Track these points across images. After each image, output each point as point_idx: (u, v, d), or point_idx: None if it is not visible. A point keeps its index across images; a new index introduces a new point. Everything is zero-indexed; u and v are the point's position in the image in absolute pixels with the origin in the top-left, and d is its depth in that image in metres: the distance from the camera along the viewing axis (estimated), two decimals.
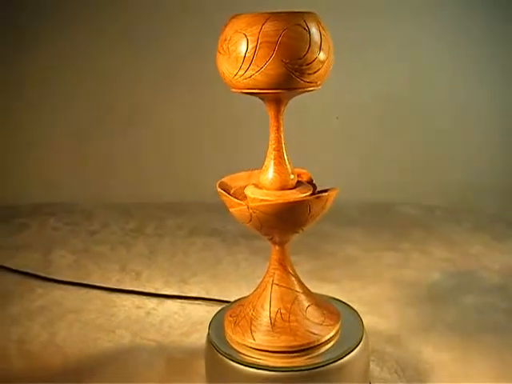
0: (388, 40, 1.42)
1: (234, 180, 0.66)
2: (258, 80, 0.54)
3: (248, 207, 0.57)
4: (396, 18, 1.42)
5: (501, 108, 1.47)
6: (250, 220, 0.58)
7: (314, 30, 0.54)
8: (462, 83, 1.45)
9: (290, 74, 0.54)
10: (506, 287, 0.94)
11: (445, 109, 1.46)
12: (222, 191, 0.62)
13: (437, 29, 1.43)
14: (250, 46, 0.53)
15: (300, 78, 0.54)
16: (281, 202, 0.57)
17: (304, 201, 0.57)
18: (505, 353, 0.75)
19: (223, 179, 0.65)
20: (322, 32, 0.55)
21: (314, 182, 0.66)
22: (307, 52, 0.53)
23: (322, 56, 0.55)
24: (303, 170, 0.67)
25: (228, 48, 0.55)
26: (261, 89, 0.55)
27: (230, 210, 0.60)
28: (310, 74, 0.55)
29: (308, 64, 0.54)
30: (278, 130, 0.60)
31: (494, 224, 1.25)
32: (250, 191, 0.61)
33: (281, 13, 0.54)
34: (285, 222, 0.58)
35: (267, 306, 0.62)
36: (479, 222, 1.26)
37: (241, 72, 0.55)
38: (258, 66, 0.54)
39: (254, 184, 0.63)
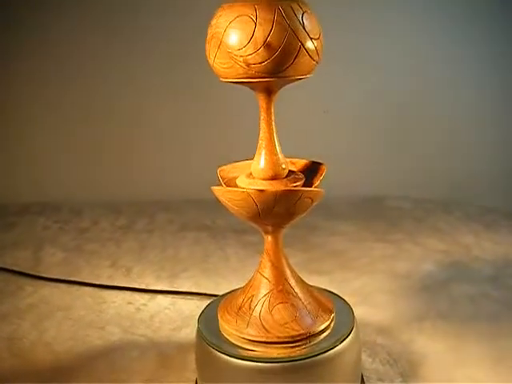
0: (386, 35, 1.41)
1: (236, 169, 0.66)
2: (217, 69, 0.56)
3: (214, 191, 0.58)
4: (396, 12, 1.41)
5: (492, 103, 1.46)
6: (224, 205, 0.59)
7: (264, 21, 0.52)
8: (454, 81, 1.45)
9: (236, 64, 0.53)
10: (498, 277, 0.94)
11: (435, 104, 1.45)
12: (218, 175, 0.63)
13: (438, 23, 1.42)
14: (208, 37, 0.55)
15: (248, 68, 0.53)
16: (228, 190, 0.57)
17: (247, 193, 0.55)
18: (498, 341, 0.75)
19: (224, 167, 0.65)
20: (280, 21, 0.52)
21: (320, 174, 0.64)
22: (249, 42, 0.52)
23: (274, 45, 0.52)
24: (304, 161, 0.66)
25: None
26: (223, 78, 0.56)
27: None
28: (255, 64, 0.53)
29: (250, 54, 0.52)
30: (265, 119, 0.59)
31: (485, 214, 1.26)
32: (239, 180, 0.61)
33: (236, 3, 0.53)
34: (245, 211, 0.57)
35: (246, 291, 0.62)
36: (471, 213, 1.26)
37: (208, 61, 0.57)
38: (213, 56, 0.55)
39: (248, 173, 0.62)
